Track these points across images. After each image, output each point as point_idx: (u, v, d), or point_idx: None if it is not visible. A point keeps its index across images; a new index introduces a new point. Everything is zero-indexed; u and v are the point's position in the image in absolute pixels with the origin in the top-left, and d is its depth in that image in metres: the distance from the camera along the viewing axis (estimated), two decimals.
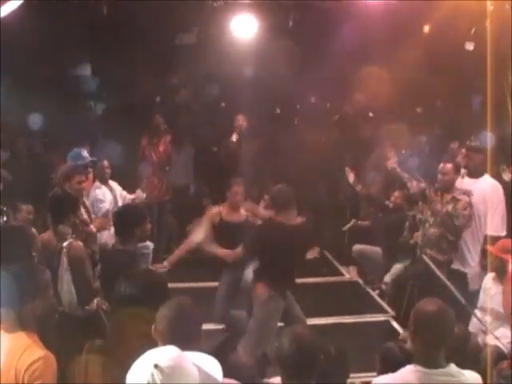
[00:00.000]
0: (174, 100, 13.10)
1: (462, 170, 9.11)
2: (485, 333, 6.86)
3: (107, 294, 5.65)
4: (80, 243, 6.50)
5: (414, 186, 8.79)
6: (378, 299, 9.74)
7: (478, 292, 7.48)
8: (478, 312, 7.16)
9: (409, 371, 4.06)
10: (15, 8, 8.41)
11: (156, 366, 2.89)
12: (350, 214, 11.53)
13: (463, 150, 10.00)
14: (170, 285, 4.67)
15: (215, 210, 8.44)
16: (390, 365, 4.41)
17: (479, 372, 4.31)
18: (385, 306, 9.45)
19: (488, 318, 7.04)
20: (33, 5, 9.25)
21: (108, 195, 9.00)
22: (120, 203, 8.91)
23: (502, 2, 9.64)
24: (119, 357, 3.16)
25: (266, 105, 12.27)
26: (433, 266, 7.64)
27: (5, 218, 7.50)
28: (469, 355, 5.34)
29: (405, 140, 11.17)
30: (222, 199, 8.58)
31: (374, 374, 4.79)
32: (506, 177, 9.22)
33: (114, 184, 9.25)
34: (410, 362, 4.12)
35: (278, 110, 13.15)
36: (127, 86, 12.14)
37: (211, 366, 3.16)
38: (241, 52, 11.24)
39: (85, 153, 8.66)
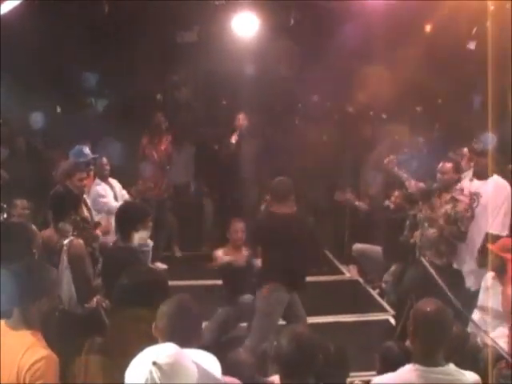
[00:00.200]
0: (175, 98, 13.10)
1: (467, 173, 9.15)
2: (484, 332, 6.88)
3: (108, 292, 5.65)
4: (80, 241, 6.50)
5: (413, 185, 8.78)
6: (378, 298, 9.76)
7: (477, 292, 7.50)
8: (477, 311, 7.17)
9: (408, 370, 4.08)
10: (15, 6, 8.43)
11: (154, 364, 2.89)
12: (349, 213, 11.52)
13: (465, 152, 10.06)
14: (170, 283, 4.67)
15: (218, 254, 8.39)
16: (390, 364, 4.42)
17: (479, 372, 4.33)
18: (385, 304, 9.46)
19: (487, 318, 7.06)
20: (33, 3, 9.26)
21: (108, 192, 9.02)
22: (120, 201, 8.92)
23: (503, 2, 9.65)
24: (119, 355, 3.16)
25: (266, 103, 12.26)
26: (431, 270, 7.65)
27: (5, 215, 7.51)
28: (468, 355, 5.35)
29: (405, 139, 11.16)
30: (220, 198, 8.57)
31: (374, 373, 4.80)
32: None
33: (113, 182, 9.26)
34: (409, 361, 4.14)
35: (279, 109, 13.13)
36: (128, 84, 12.15)
37: (210, 363, 3.16)
38: (242, 50, 11.24)
39: (87, 150, 8.66)
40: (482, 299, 7.22)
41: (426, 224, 8.40)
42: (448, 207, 8.21)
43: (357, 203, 10.68)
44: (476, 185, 8.52)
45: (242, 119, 11.18)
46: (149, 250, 8.04)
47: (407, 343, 4.41)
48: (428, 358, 4.06)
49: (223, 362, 4.06)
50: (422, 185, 8.75)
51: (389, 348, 5.07)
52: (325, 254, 11.53)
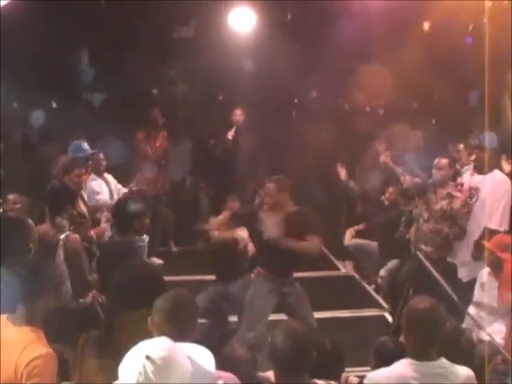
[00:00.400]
0: (171, 93, 13.09)
1: (467, 167, 9.17)
2: (479, 328, 6.89)
3: (104, 287, 5.65)
4: (77, 236, 6.50)
5: (408, 180, 8.79)
6: (374, 294, 9.77)
7: (469, 284, 7.54)
8: (473, 307, 7.19)
9: (402, 364, 4.12)
10: (10, 0, 8.42)
11: (147, 358, 2.90)
12: (346, 208, 11.55)
13: (461, 148, 10.08)
14: (166, 278, 4.67)
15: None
16: (384, 359, 4.44)
17: (473, 367, 4.34)
18: (380, 300, 9.48)
19: (483, 314, 7.08)
20: None
21: (104, 187, 9.01)
22: (115, 196, 8.92)
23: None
24: (114, 349, 3.16)
25: (263, 99, 12.26)
26: (427, 264, 7.66)
27: (1, 210, 7.50)
28: (463, 351, 5.36)
29: (402, 135, 11.17)
30: (216, 194, 8.59)
31: (369, 368, 4.82)
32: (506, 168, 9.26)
33: (109, 177, 9.26)
34: (403, 357, 4.16)
35: (276, 104, 13.13)
36: (124, 79, 12.13)
37: (204, 357, 3.16)
38: (238, 46, 11.24)
39: (85, 145, 8.65)
40: (477, 295, 7.24)
41: (421, 219, 8.42)
42: (444, 203, 8.22)
43: (351, 184, 10.67)
44: (476, 179, 8.54)
45: (238, 114, 11.18)
46: (144, 245, 8.04)
47: (401, 338, 4.43)
48: (421, 353, 4.10)
49: (219, 357, 4.08)
50: (417, 180, 8.76)
51: (383, 343, 5.09)
52: (320, 249, 11.55)
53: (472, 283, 7.49)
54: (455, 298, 7.01)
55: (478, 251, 7.97)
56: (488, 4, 9.44)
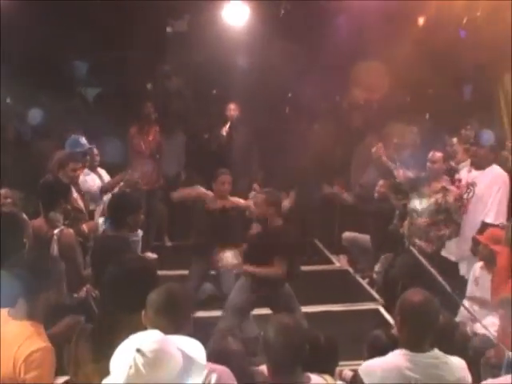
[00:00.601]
0: (165, 87, 13.07)
1: (464, 164, 9.20)
2: (473, 321, 6.91)
3: (98, 281, 5.65)
4: (71, 230, 6.51)
5: (401, 174, 8.80)
6: (368, 288, 9.78)
7: (466, 280, 7.56)
8: (466, 301, 7.21)
9: (397, 354, 4.16)
10: None
11: (138, 351, 2.90)
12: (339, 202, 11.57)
13: (455, 142, 10.09)
14: (160, 272, 4.68)
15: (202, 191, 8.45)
16: (378, 352, 4.45)
17: (467, 360, 4.36)
18: (374, 294, 9.49)
19: (476, 307, 7.10)
20: None
21: (97, 182, 9.00)
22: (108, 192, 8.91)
23: None
24: (108, 343, 3.17)
25: (257, 93, 12.25)
26: (421, 258, 7.68)
27: None
28: (457, 344, 5.38)
29: (397, 130, 11.17)
30: (210, 188, 8.58)
31: (363, 361, 4.82)
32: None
33: (102, 172, 9.24)
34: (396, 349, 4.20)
35: (270, 99, 13.12)
36: (119, 73, 12.11)
37: (195, 349, 3.17)
38: (232, 40, 11.22)
39: (83, 140, 8.65)
40: (470, 289, 7.27)
41: (415, 214, 8.43)
42: (438, 196, 8.24)
43: (344, 196, 10.68)
44: (473, 175, 8.57)
45: (232, 109, 11.16)
46: (138, 240, 8.04)
47: (393, 331, 4.46)
48: (415, 345, 4.13)
49: (213, 351, 4.08)
50: (410, 174, 8.77)
51: (376, 337, 5.11)
52: (315, 243, 11.57)
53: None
54: (449, 291, 7.04)
55: (476, 246, 8.00)
56: None
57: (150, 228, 10.00)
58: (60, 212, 6.58)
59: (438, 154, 8.44)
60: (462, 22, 11.12)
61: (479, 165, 8.54)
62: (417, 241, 8.26)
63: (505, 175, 8.51)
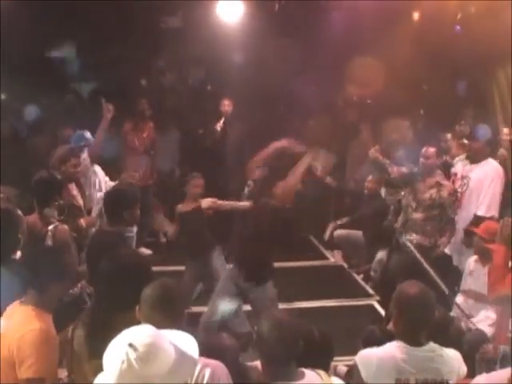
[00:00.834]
0: (160, 83, 13.06)
1: (458, 158, 9.21)
2: (467, 317, 6.93)
3: (93, 277, 5.65)
4: (65, 227, 6.51)
5: (395, 170, 8.81)
6: (363, 283, 9.80)
7: (460, 270, 7.59)
8: (461, 295, 7.23)
9: (393, 346, 4.16)
10: None
11: (130, 345, 2.90)
12: (334, 198, 11.58)
13: (449, 138, 10.10)
14: (154, 268, 4.67)
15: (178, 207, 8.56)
16: (372, 347, 4.45)
17: (462, 355, 4.37)
18: (369, 289, 9.51)
19: (470, 301, 7.12)
20: None
21: (92, 179, 9.00)
22: (103, 187, 8.90)
23: None
24: (103, 338, 3.17)
25: (251, 89, 12.24)
26: (417, 254, 7.69)
27: None
28: (451, 338, 5.39)
29: (390, 125, 11.18)
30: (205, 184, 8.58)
31: None
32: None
33: (97, 168, 9.23)
34: None
35: (264, 94, 13.11)
36: (113, 69, 12.09)
37: (187, 343, 3.16)
38: (226, 35, 11.21)
39: (88, 134, 8.67)
40: (465, 283, 7.28)
41: (410, 209, 8.44)
42: (433, 191, 8.25)
43: (327, 180, 10.67)
44: (468, 168, 8.60)
45: (227, 105, 11.16)
46: (133, 236, 8.05)
47: (389, 326, 4.46)
48: (411, 337, 4.13)
49: (206, 346, 4.08)
50: (404, 170, 8.78)
51: (371, 332, 5.12)
52: (309, 239, 11.58)
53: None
54: (444, 287, 7.05)
55: (468, 238, 8.01)
56: None
57: (144, 224, 9.98)
58: (54, 208, 6.58)
59: (432, 150, 8.45)
60: (456, 18, 11.13)
61: (474, 159, 8.56)
62: (414, 235, 8.27)
63: (499, 168, 8.53)
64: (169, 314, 3.57)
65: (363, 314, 8.71)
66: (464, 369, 4.29)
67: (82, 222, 7.41)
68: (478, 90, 12.17)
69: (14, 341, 4.05)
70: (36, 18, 10.44)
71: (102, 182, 9.13)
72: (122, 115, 10.67)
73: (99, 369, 3.11)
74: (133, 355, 2.89)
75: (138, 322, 3.52)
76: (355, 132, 11.64)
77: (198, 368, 3.49)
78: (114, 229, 6.13)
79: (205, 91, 13.42)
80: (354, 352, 4.96)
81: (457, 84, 13.19)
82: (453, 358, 4.24)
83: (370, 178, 10.04)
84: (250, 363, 4.54)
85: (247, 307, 7.55)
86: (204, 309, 7.77)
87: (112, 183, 9.20)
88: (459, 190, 8.55)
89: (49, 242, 6.25)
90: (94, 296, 4.49)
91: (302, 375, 3.91)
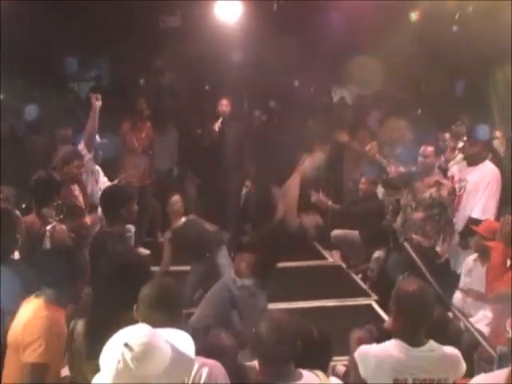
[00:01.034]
0: (158, 82, 13.05)
1: (453, 162, 9.21)
2: (464, 318, 6.93)
3: (92, 277, 5.66)
4: (63, 227, 6.51)
5: (393, 170, 8.81)
6: (361, 283, 9.79)
7: (457, 274, 7.59)
8: (459, 293, 7.23)
9: (392, 344, 4.16)
10: None
11: (126, 345, 2.90)
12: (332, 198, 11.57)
13: (447, 137, 10.10)
14: (152, 268, 4.68)
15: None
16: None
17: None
18: (367, 289, 9.50)
19: (469, 300, 7.12)
20: None
21: (90, 179, 8.99)
22: (102, 187, 8.89)
23: None
24: (102, 338, 3.17)
25: (249, 88, 12.25)
26: (413, 255, 7.69)
27: None
28: (450, 338, 5.39)
29: (388, 125, 11.19)
30: (203, 184, 8.64)
31: None
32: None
33: (98, 168, 9.23)
34: None
35: (262, 94, 13.13)
36: (112, 69, 12.09)
37: (184, 342, 3.16)
38: (225, 35, 11.20)
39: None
40: (463, 282, 7.28)
41: (409, 209, 8.44)
42: (432, 190, 8.24)
43: (329, 204, 10.68)
44: (466, 171, 8.60)
45: (225, 105, 11.13)
46: (131, 236, 8.03)
47: (386, 324, 4.47)
48: (410, 336, 4.13)
49: (205, 345, 4.07)
50: (401, 169, 8.78)
51: (369, 331, 5.12)
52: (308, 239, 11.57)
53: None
54: (440, 291, 7.04)
55: (464, 240, 8.01)
56: None
57: (142, 224, 9.99)
58: (52, 208, 6.58)
59: (430, 149, 8.45)
60: (454, 18, 11.13)
61: (472, 161, 8.55)
62: (413, 236, 8.27)
63: (496, 171, 8.53)
64: (166, 314, 3.57)
65: (362, 314, 8.71)
66: (463, 367, 4.30)
67: (87, 220, 7.42)
68: (476, 89, 12.18)
69: (21, 327, 4.11)
70: (34, 18, 10.43)
71: (100, 182, 9.13)
72: (120, 115, 10.69)
73: (98, 368, 3.12)
74: (128, 355, 2.89)
75: (136, 322, 3.52)
76: (353, 132, 11.64)
77: (195, 367, 3.49)
78: (114, 229, 6.13)
79: (203, 91, 13.41)
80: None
81: (455, 83, 13.20)
82: (452, 357, 4.24)
83: (363, 179, 10.06)
84: (248, 363, 4.55)
85: None
86: None
87: (110, 183, 9.22)
88: (457, 192, 8.55)
89: (47, 242, 6.25)
90: (93, 295, 4.50)
91: (300, 376, 3.90)
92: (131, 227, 7.11)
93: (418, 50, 11.23)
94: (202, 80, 13.35)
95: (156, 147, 10.92)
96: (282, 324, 3.86)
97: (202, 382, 3.54)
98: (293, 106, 12.53)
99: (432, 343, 4.18)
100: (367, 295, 9.36)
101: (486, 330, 6.47)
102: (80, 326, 4.30)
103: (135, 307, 3.65)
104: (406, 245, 8.05)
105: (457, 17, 11.04)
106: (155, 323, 3.19)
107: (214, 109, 11.25)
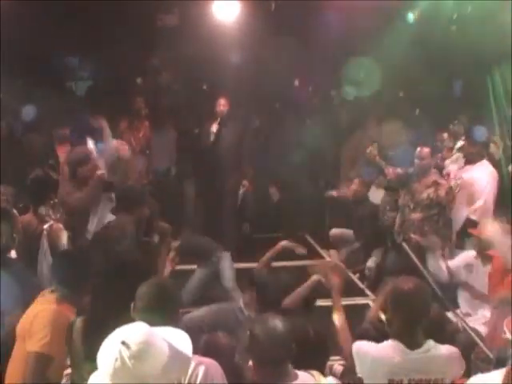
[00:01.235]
0: (155, 82, 13.04)
1: (449, 161, 9.21)
2: (461, 319, 6.93)
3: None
4: (60, 225, 6.51)
5: (391, 172, 8.82)
6: (359, 283, 9.79)
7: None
8: (460, 288, 7.23)
9: (388, 346, 4.16)
10: None
11: (123, 343, 2.90)
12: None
13: (446, 137, 10.10)
14: None
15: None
16: None
17: None
18: (365, 289, 9.50)
19: (467, 295, 7.12)
20: None
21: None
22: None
23: None
24: (100, 336, 3.17)
25: (247, 88, 12.23)
26: (412, 255, 7.69)
27: None
28: (448, 337, 5.39)
29: (386, 127, 11.19)
30: (201, 184, 8.63)
31: None
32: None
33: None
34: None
35: (260, 94, 13.11)
36: (109, 67, 12.07)
37: (181, 341, 3.16)
38: (223, 34, 11.19)
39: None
40: (464, 277, 7.24)
41: (407, 209, 8.45)
42: (430, 191, 8.25)
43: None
44: (462, 170, 8.61)
45: (222, 105, 11.12)
46: None
47: (371, 312, 4.49)
48: (407, 336, 4.13)
49: (203, 345, 4.07)
50: (399, 171, 8.79)
51: (365, 330, 5.12)
52: (306, 238, 11.56)
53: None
54: (438, 290, 7.05)
55: (461, 240, 8.02)
56: None
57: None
58: (49, 207, 6.58)
59: (426, 150, 8.48)
60: (452, 18, 11.13)
61: (470, 159, 8.56)
62: (412, 235, 8.27)
63: (493, 171, 8.54)
64: (163, 312, 3.57)
65: (359, 314, 8.70)
66: (462, 366, 4.30)
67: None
68: (474, 89, 12.18)
69: (31, 317, 4.16)
70: (31, 17, 10.42)
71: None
72: (117, 114, 10.68)
73: (95, 366, 3.12)
74: (126, 353, 2.89)
75: (133, 320, 3.52)
76: (351, 131, 11.65)
77: (191, 366, 3.48)
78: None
79: (201, 90, 13.39)
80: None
81: (453, 83, 13.20)
82: (449, 357, 4.23)
83: (355, 180, 10.08)
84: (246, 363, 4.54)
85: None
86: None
87: None
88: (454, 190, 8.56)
89: (44, 240, 6.26)
90: (93, 292, 4.52)
91: (296, 377, 3.88)
92: None
93: (416, 50, 11.23)
94: (200, 79, 13.33)
95: (154, 146, 10.92)
96: (276, 325, 3.85)
97: (198, 380, 3.53)
98: (291, 105, 12.52)
99: (430, 343, 4.18)
100: (365, 295, 9.36)
101: (481, 329, 6.48)
102: (78, 323, 4.30)
103: (132, 305, 3.65)
104: (405, 245, 8.06)
105: (455, 17, 11.03)
106: (152, 322, 3.18)
107: (211, 108, 11.24)
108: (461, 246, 7.97)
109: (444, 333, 5.30)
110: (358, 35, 11.23)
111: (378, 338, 4.46)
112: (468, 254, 7.32)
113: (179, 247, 8.48)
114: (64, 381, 4.55)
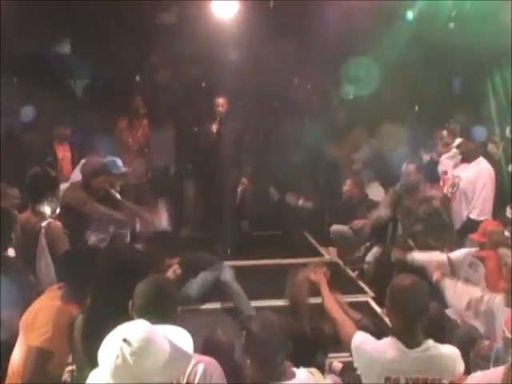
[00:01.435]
0: (154, 80, 13.03)
1: (445, 156, 9.21)
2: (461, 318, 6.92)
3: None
4: (58, 223, 6.50)
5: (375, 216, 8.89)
6: (358, 280, 9.79)
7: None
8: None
9: (387, 343, 4.15)
10: None
11: (124, 340, 2.90)
12: (329, 195, 11.58)
13: (445, 135, 10.09)
14: None
15: None
16: None
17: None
18: (364, 286, 9.50)
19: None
20: None
21: None
22: None
23: None
24: (100, 334, 3.17)
25: (246, 86, 12.22)
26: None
27: None
28: (448, 335, 5.40)
29: (384, 129, 11.20)
30: (200, 182, 8.61)
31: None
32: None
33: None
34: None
35: (259, 92, 13.10)
36: (107, 66, 12.05)
37: (182, 339, 3.16)
38: (221, 33, 11.18)
39: (119, 162, 8.61)
40: (465, 272, 7.22)
41: (406, 221, 8.44)
42: (425, 206, 8.23)
43: (300, 202, 10.70)
44: (459, 168, 8.59)
45: (221, 104, 11.11)
46: (126, 233, 8.02)
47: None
48: (406, 334, 4.13)
49: (202, 343, 4.07)
50: (381, 213, 8.91)
51: (364, 327, 5.11)
52: (304, 235, 11.56)
53: None
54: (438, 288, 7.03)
55: (460, 239, 8.01)
56: None
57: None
58: (47, 205, 6.58)
59: (412, 166, 8.53)
60: (451, 15, 11.13)
61: (467, 157, 8.55)
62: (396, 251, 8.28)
63: (491, 170, 8.52)
64: (161, 310, 3.56)
65: (358, 311, 8.68)
66: (461, 367, 4.29)
67: None
68: (474, 87, 12.18)
69: (35, 312, 4.18)
70: (29, 16, 10.41)
71: None
72: (116, 112, 10.67)
73: (95, 363, 3.12)
74: (127, 350, 2.89)
75: (132, 318, 3.52)
76: (349, 130, 11.65)
77: (190, 364, 3.48)
78: None
79: (199, 88, 13.38)
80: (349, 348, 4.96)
81: (452, 81, 13.20)
82: (448, 357, 4.23)
83: (348, 181, 10.10)
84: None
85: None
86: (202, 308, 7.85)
87: None
88: (450, 190, 8.54)
89: (42, 238, 6.25)
90: (92, 291, 4.52)
91: (293, 375, 3.88)
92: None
93: (414, 48, 11.23)
94: (199, 78, 13.31)
95: (152, 145, 10.91)
96: (273, 323, 3.85)
97: (197, 378, 3.53)
98: (290, 104, 12.51)
99: (429, 343, 4.17)
100: (364, 292, 9.36)
101: (480, 326, 6.46)
102: (79, 320, 4.31)
103: (130, 303, 3.65)
104: (410, 241, 8.04)
105: (453, 14, 11.02)
106: (150, 319, 3.18)
107: (210, 106, 11.22)
108: (461, 246, 7.94)
109: (444, 331, 5.30)
110: (357, 34, 11.23)
111: (377, 335, 4.46)
112: (471, 251, 7.30)
113: (180, 262, 8.41)
114: (65, 377, 4.55)
